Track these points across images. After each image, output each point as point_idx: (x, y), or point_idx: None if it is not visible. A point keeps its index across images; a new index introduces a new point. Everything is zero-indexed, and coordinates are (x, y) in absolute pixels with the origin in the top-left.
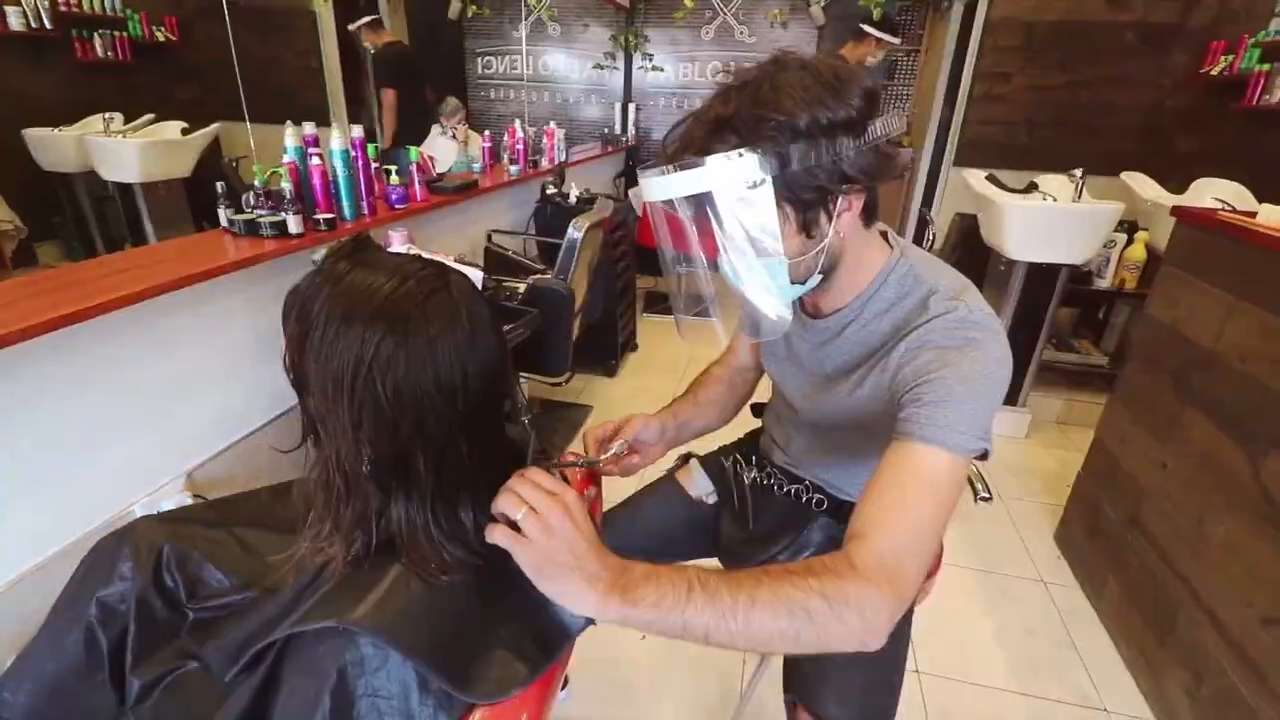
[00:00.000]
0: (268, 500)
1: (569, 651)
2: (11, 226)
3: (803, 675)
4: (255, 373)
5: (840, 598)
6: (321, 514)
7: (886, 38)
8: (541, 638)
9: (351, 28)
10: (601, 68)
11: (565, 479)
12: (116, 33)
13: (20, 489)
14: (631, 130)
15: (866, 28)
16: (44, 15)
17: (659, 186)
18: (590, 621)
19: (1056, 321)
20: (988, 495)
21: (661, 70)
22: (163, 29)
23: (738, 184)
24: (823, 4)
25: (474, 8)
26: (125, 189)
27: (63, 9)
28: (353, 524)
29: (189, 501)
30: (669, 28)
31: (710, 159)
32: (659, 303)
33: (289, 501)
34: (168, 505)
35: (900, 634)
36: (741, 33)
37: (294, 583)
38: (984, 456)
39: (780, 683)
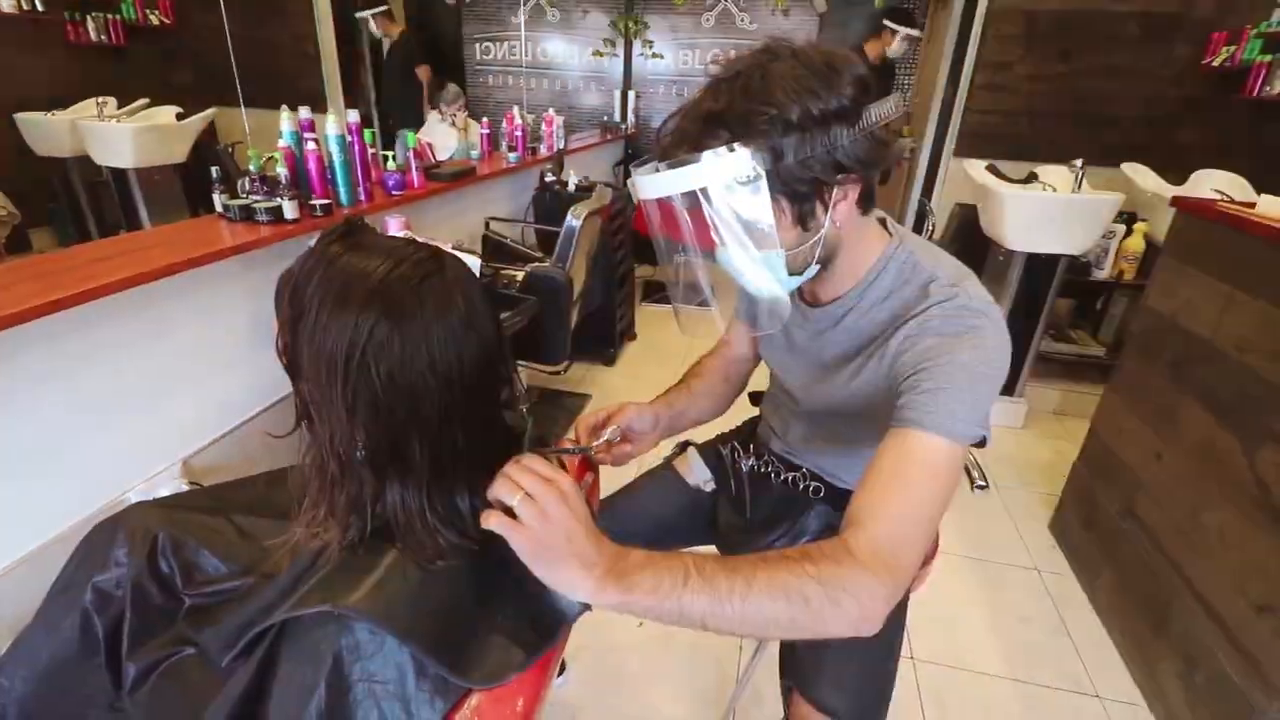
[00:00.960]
0: (264, 487)
1: (565, 637)
2: (5, 212)
3: (799, 661)
4: (251, 359)
5: (836, 583)
6: (316, 499)
7: (907, 30)
8: (538, 623)
9: (367, 15)
10: (601, 54)
11: (562, 465)
12: (110, 15)
13: (14, 475)
14: (631, 118)
15: (889, 22)
16: None
17: (652, 184)
18: (587, 607)
19: (1054, 312)
20: (984, 483)
21: (661, 57)
22: (157, 12)
23: (731, 180)
24: None
25: None
26: (119, 174)
27: None
28: (347, 509)
29: (185, 488)
30: (669, 14)
31: (703, 155)
32: (658, 291)
33: (285, 488)
34: (163, 492)
35: (896, 621)
36: (742, 20)
37: (290, 568)
38: (982, 444)
39: (776, 669)
